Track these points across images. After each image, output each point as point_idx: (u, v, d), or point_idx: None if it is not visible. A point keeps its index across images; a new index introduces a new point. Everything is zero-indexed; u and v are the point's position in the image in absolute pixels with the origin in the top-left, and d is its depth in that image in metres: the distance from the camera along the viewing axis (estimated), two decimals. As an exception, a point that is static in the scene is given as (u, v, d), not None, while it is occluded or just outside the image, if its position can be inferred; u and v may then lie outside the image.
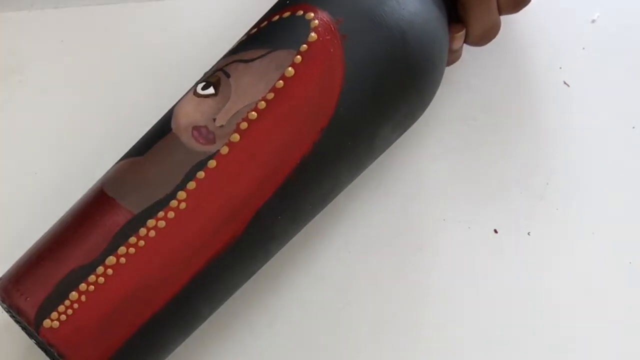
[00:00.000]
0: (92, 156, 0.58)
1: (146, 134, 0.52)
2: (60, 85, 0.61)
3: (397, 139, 0.56)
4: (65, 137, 0.59)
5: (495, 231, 0.58)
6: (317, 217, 0.55)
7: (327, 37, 0.50)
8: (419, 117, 0.56)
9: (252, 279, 0.54)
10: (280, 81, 0.49)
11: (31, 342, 0.52)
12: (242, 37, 0.53)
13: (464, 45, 0.57)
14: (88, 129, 0.59)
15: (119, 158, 0.52)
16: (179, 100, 0.52)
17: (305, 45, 0.50)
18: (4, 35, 0.62)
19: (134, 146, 0.52)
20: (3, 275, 0.49)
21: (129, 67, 0.58)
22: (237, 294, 0.53)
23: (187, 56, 0.60)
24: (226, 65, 0.51)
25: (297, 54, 0.50)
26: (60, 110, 0.60)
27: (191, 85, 0.53)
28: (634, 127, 0.61)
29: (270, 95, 0.49)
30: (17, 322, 0.50)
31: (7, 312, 0.49)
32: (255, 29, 0.53)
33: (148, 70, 0.60)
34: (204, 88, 0.51)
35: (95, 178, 0.51)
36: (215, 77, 0.51)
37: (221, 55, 0.53)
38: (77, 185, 0.53)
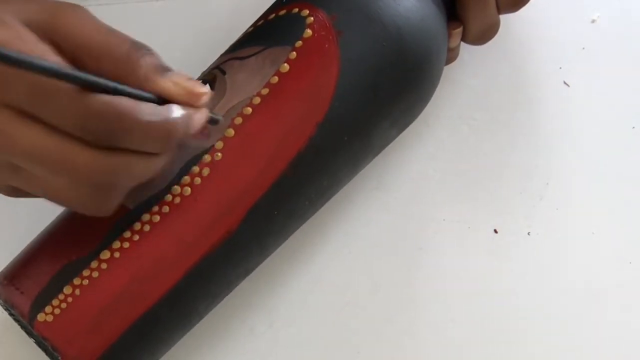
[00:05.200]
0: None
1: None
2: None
3: (397, 135, 0.56)
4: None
5: (495, 231, 0.58)
6: (317, 216, 0.55)
7: (322, 33, 0.50)
8: (418, 114, 0.56)
9: (252, 279, 0.54)
10: (275, 77, 0.49)
11: (31, 341, 0.52)
12: (239, 37, 0.54)
13: (464, 45, 0.57)
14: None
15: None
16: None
17: (300, 42, 0.50)
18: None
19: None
20: (0, 272, 0.50)
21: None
22: (237, 293, 0.53)
23: (187, 56, 0.60)
24: (222, 63, 0.52)
25: (292, 50, 0.50)
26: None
27: (189, 85, 0.53)
28: (634, 127, 0.61)
29: (265, 91, 0.49)
30: (16, 320, 0.50)
31: (4, 309, 0.49)
32: (252, 28, 0.53)
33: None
34: (200, 85, 0.51)
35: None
36: (211, 75, 0.51)
37: (219, 55, 0.54)
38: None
